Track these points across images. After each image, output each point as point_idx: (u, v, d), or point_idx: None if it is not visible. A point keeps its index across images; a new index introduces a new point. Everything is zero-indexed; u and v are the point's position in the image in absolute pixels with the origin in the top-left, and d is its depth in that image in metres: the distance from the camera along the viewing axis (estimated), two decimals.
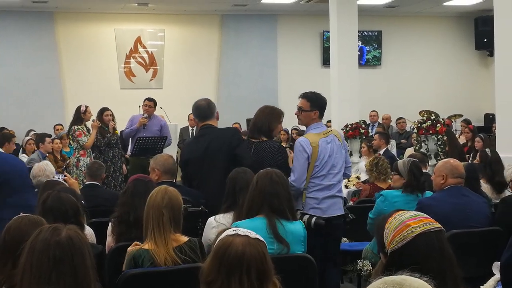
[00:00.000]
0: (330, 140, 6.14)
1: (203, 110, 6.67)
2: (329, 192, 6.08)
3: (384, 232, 2.84)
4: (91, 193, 7.11)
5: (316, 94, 6.31)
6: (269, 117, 6.49)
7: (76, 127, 10.98)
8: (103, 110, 11.39)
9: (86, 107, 11.15)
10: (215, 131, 6.65)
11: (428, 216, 2.88)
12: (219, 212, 5.22)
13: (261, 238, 2.87)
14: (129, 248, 4.36)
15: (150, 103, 11.68)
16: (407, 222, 2.80)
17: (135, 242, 4.39)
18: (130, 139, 11.65)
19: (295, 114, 6.29)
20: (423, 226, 2.78)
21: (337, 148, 6.15)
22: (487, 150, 8.45)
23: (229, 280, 2.74)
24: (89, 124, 11.26)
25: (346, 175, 6.51)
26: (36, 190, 6.61)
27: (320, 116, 6.25)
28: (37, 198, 5.87)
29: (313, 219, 5.81)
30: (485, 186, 7.31)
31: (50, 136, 12.46)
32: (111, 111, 11.39)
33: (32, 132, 14.60)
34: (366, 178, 9.15)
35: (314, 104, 6.23)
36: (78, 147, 10.95)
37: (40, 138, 11.95)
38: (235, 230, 2.88)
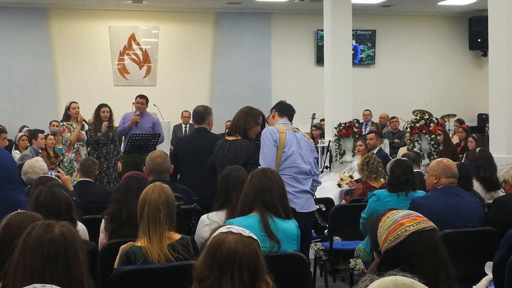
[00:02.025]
0: (298, 136, 6.21)
1: (197, 115, 7.80)
2: (302, 186, 6.08)
3: (378, 231, 2.84)
4: (84, 190, 7.09)
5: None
6: (245, 117, 6.55)
7: (62, 123, 10.99)
8: (100, 107, 11.35)
9: (71, 103, 11.12)
10: (208, 135, 7.60)
11: (422, 215, 2.88)
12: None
13: (255, 237, 2.88)
14: (122, 246, 4.36)
15: (142, 100, 11.64)
16: (401, 221, 2.80)
17: (130, 242, 4.39)
18: (124, 136, 11.62)
19: None
20: (417, 225, 2.78)
21: (306, 145, 6.19)
22: (477, 150, 8.44)
23: (221, 278, 2.75)
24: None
25: (317, 182, 6.37)
26: (28, 186, 6.61)
27: (280, 115, 6.42)
28: (24, 193, 5.87)
29: None
30: (477, 186, 7.32)
31: (43, 132, 12.40)
32: (109, 108, 11.33)
33: (25, 129, 14.55)
34: (359, 177, 9.15)
35: (272, 108, 6.56)
36: (67, 143, 10.96)
37: (32, 134, 11.89)
38: (229, 228, 2.88)
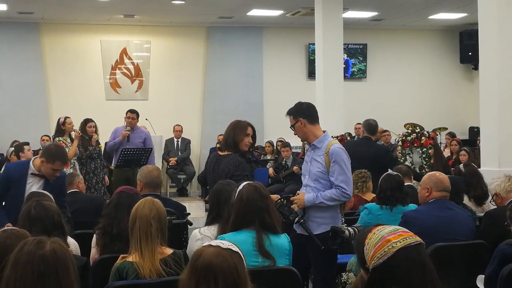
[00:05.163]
0: None
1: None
2: None
3: (365, 248, 2.84)
4: (71, 200, 7.22)
5: (296, 104, 6.01)
6: (233, 130, 6.34)
7: (57, 138, 10.96)
8: (86, 121, 11.34)
9: (65, 118, 11.09)
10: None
11: (408, 230, 2.88)
12: None
13: (235, 249, 2.87)
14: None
15: (133, 115, 11.62)
16: (387, 237, 2.80)
17: (121, 255, 4.37)
18: (115, 151, 11.60)
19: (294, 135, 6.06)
20: (403, 240, 2.78)
21: None
22: (461, 166, 8.36)
23: None
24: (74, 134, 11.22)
25: None
26: None
27: (311, 122, 5.83)
28: None
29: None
30: (467, 199, 7.34)
31: (28, 143, 12.33)
32: (95, 123, 11.34)
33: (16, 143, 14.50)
34: None
35: (295, 114, 5.90)
36: None
37: (19, 148, 11.82)
38: (212, 242, 2.90)
